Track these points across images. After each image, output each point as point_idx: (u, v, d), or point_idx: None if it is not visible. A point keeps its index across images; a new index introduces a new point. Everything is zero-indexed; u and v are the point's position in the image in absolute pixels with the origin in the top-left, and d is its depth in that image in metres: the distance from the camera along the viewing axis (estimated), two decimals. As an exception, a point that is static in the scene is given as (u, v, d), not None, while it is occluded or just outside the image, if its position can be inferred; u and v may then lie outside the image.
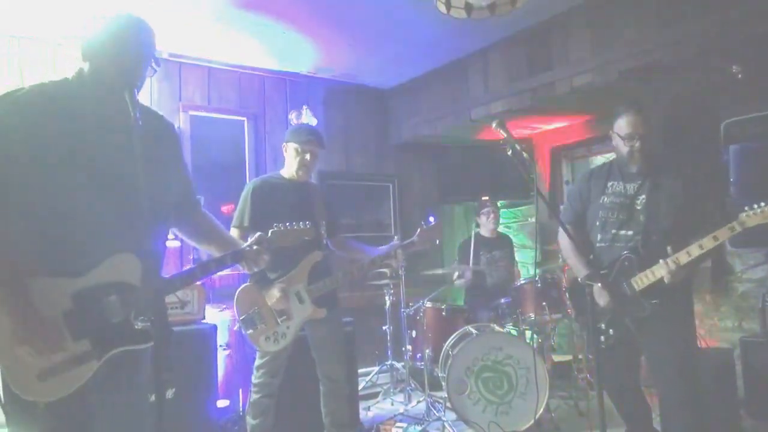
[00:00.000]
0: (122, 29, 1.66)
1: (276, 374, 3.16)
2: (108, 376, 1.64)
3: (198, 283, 3.81)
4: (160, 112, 1.94)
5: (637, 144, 2.63)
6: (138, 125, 1.47)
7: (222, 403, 4.02)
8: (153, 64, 1.70)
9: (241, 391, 4.21)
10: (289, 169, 3.24)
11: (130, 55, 1.63)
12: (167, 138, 1.90)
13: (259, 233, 2.03)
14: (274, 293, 2.98)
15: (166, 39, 4.14)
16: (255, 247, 1.96)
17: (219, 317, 4.06)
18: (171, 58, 4.37)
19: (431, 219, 3.27)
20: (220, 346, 3.83)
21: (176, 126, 4.27)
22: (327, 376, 3.27)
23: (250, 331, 3.00)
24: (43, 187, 1.55)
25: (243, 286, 3.11)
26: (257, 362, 3.19)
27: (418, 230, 3.19)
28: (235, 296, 3.07)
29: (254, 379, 3.18)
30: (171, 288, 1.88)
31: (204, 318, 3.75)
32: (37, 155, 1.54)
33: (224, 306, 4.18)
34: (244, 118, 4.82)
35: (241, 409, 4.15)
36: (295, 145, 3.18)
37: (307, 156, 3.19)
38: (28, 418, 1.55)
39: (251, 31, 4.07)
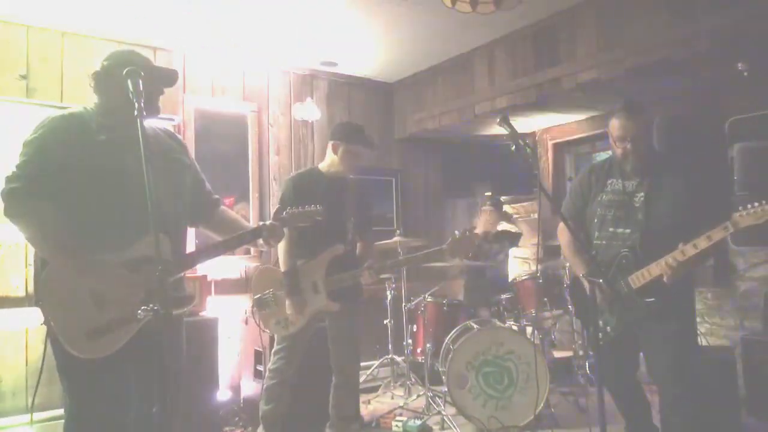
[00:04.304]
0: (117, 66, 1.88)
1: (292, 361, 3.19)
2: (146, 341, 1.80)
3: (201, 274, 3.83)
4: (168, 123, 2.28)
5: (629, 146, 2.62)
6: (147, 141, 1.68)
7: (223, 395, 4.05)
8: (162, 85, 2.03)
9: (242, 383, 4.24)
10: (332, 166, 3.27)
11: (131, 86, 1.77)
12: (179, 151, 2.21)
13: (277, 207, 2.33)
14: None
15: (170, 30, 4.14)
16: (270, 223, 2.23)
17: (219, 309, 4.07)
18: (175, 49, 4.37)
19: (457, 232, 3.18)
20: (221, 337, 3.84)
21: (180, 118, 4.34)
22: (340, 369, 3.31)
23: (263, 311, 3.15)
24: (85, 189, 1.89)
25: (262, 267, 3.34)
26: (275, 348, 3.24)
27: (450, 239, 3.14)
28: (253, 276, 3.26)
29: (270, 365, 3.23)
30: (195, 260, 2.20)
31: (206, 310, 3.77)
32: (78, 165, 1.88)
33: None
34: (248, 111, 4.82)
35: (242, 401, 4.18)
36: (353, 147, 3.21)
37: (360, 159, 3.27)
38: (81, 377, 1.87)
39: (255, 24, 4.07)
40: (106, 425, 1.90)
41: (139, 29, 4.06)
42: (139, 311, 1.61)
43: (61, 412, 2.48)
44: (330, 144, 3.26)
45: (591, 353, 4.27)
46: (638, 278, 2.58)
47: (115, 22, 3.94)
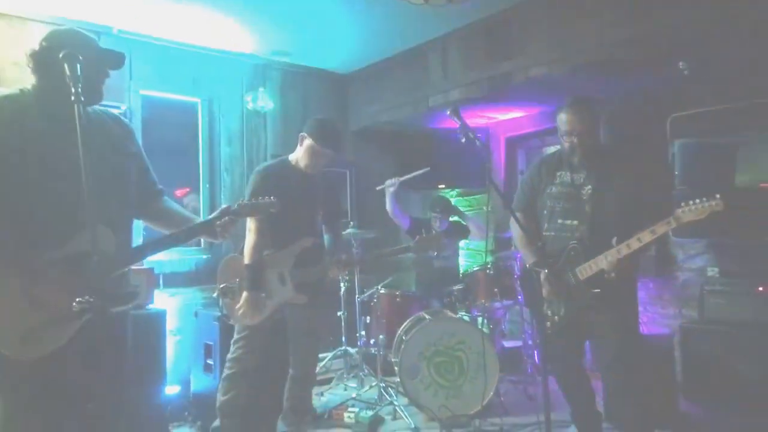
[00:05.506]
0: (57, 48, 1.75)
1: (252, 351, 3.10)
2: (88, 337, 1.74)
3: (147, 267, 3.73)
4: (114, 111, 2.16)
5: (575, 140, 2.70)
6: (85, 129, 1.61)
7: (171, 390, 3.96)
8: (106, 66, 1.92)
9: (191, 377, 4.16)
10: (299, 160, 3.18)
11: (68, 71, 1.69)
12: (125, 138, 2.10)
13: (223, 206, 2.18)
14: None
15: (117, 15, 3.99)
16: (224, 219, 2.13)
17: (169, 303, 3.98)
18: (122, 36, 4.22)
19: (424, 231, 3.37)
20: (170, 331, 3.76)
21: (127, 106, 4.19)
22: (300, 363, 3.29)
23: (227, 300, 3.06)
24: (21, 180, 1.78)
25: (230, 255, 3.22)
26: (235, 336, 3.15)
27: (417, 237, 3.25)
28: (220, 264, 3.15)
29: (229, 354, 3.15)
30: (141, 254, 2.10)
31: (152, 303, 3.68)
32: (14, 154, 1.77)
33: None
34: (198, 100, 4.70)
35: (191, 396, 4.11)
36: (316, 145, 3.10)
37: (322, 159, 3.14)
38: (13, 377, 1.75)
39: (207, 11, 3.96)
40: (44, 428, 1.81)
41: (82, 11, 3.89)
42: (74, 303, 1.54)
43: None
44: (300, 135, 3.20)
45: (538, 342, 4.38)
46: (585, 270, 2.66)
47: (56, 3, 3.77)
